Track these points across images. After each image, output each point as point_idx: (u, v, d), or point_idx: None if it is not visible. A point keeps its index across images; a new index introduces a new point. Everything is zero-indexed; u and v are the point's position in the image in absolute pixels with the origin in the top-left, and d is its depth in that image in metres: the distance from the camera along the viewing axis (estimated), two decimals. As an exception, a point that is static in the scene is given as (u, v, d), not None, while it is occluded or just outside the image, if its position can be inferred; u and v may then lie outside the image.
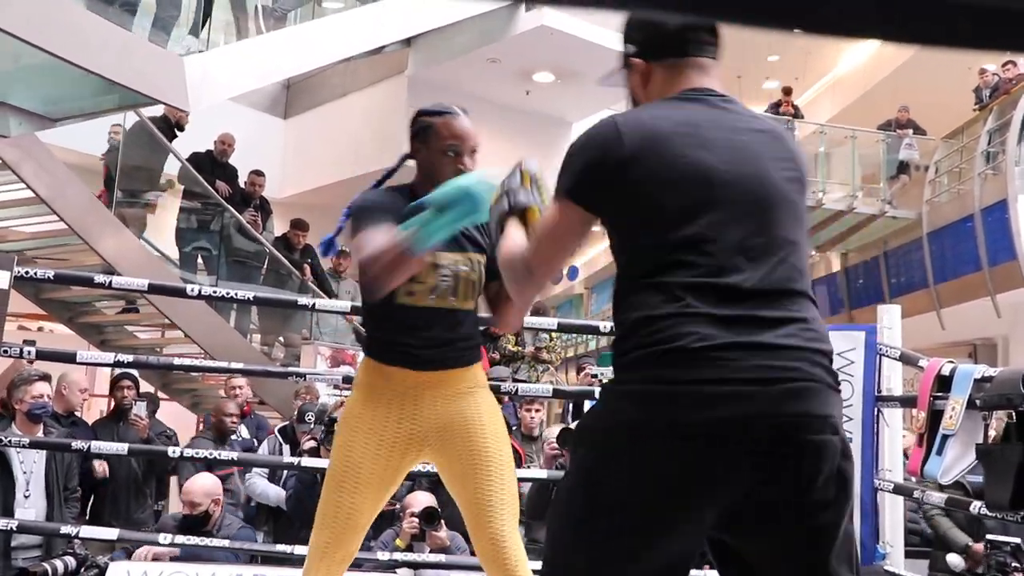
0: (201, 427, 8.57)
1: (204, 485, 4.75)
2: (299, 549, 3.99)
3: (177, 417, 8.62)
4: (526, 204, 2.11)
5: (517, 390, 4.30)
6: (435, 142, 2.58)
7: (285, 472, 5.33)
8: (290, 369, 5.08)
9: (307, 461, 4.44)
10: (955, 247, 12.95)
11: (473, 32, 9.91)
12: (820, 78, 20.38)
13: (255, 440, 6.22)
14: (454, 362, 2.66)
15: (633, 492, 1.68)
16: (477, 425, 2.65)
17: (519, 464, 4.76)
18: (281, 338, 9.93)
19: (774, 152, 1.84)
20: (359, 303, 4.35)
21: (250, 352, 8.68)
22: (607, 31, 9.79)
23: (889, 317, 4.60)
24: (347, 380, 4.30)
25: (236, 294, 4.46)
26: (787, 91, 15.38)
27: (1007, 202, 11.65)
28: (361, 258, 2.40)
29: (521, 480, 3.82)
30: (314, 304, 4.46)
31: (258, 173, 10.00)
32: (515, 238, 2.02)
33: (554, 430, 5.39)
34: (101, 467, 5.84)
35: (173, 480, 6.71)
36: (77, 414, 6.14)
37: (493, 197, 2.16)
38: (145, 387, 7.39)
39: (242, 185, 9.88)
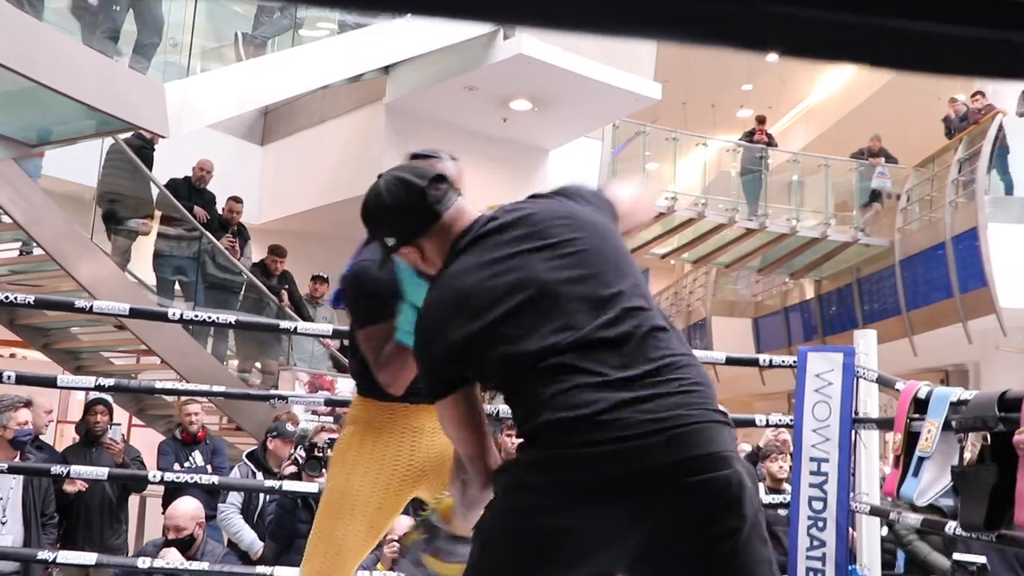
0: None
1: (188, 509, 4.73)
2: (279, 571, 3.98)
3: (152, 444, 8.56)
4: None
5: (498, 412, 4.32)
6: None
7: (260, 501, 5.31)
8: (272, 392, 5.09)
9: (288, 485, 4.44)
10: (927, 274, 13.10)
11: (451, 60, 9.98)
12: (794, 107, 20.64)
13: (208, 468, 6.17)
14: None
15: (527, 544, 1.81)
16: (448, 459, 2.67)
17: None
18: (258, 364, 9.89)
19: (542, 236, 1.97)
20: (341, 327, 4.38)
21: (227, 378, 8.65)
22: (584, 59, 9.89)
23: (865, 342, 4.66)
24: (329, 404, 4.31)
25: (217, 318, 4.47)
26: (761, 120, 15.53)
27: (977, 230, 11.84)
28: (376, 372, 2.48)
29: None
30: (295, 327, 4.47)
31: (236, 199, 10.00)
32: None
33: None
34: (73, 486, 5.76)
35: (132, 504, 6.64)
36: (42, 438, 6.08)
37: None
38: (120, 414, 7.35)
39: (220, 211, 9.86)
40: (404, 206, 2.04)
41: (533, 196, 2.12)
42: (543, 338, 1.84)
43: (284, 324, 4.47)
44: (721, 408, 1.86)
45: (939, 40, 0.54)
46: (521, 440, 1.91)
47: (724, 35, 0.55)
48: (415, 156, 2.69)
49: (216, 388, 4.74)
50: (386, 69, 10.61)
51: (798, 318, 17.09)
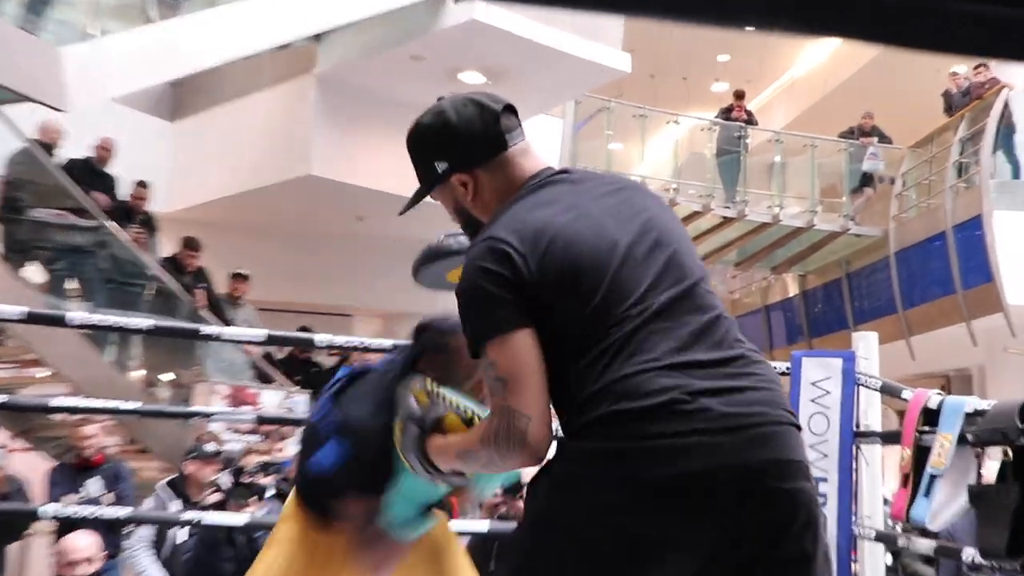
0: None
1: (83, 546, 4.64)
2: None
3: (38, 472, 8.35)
4: (437, 416, 2.15)
5: (464, 409, 4.30)
6: None
7: (176, 538, 5.20)
8: (192, 409, 5.00)
9: (210, 517, 4.37)
10: (925, 268, 13.26)
11: (393, 26, 9.92)
12: (775, 80, 20.82)
13: (104, 499, 6.03)
14: None
15: (589, 554, 1.76)
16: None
17: (450, 516, 4.74)
18: (168, 375, 9.77)
19: (643, 202, 2.00)
20: (274, 332, 4.32)
21: (131, 391, 8.48)
22: (544, 27, 9.88)
23: (865, 346, 4.69)
24: (263, 422, 4.25)
25: (129, 323, 4.38)
26: (739, 95, 15.64)
27: (981, 218, 11.95)
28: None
29: (460, 534, 3.81)
30: (220, 334, 4.40)
31: (142, 184, 9.88)
32: (451, 439, 2.08)
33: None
34: None
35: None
36: None
37: (397, 432, 2.19)
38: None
39: (124, 197, 9.73)
40: (472, 127, 2.01)
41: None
42: (645, 293, 1.85)
43: (207, 329, 4.39)
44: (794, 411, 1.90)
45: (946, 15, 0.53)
46: (572, 428, 1.83)
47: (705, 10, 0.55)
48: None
49: (127, 405, 4.64)
50: (318, 36, 10.53)
51: (780, 318, 17.25)
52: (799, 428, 1.85)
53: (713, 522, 1.73)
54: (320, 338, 4.02)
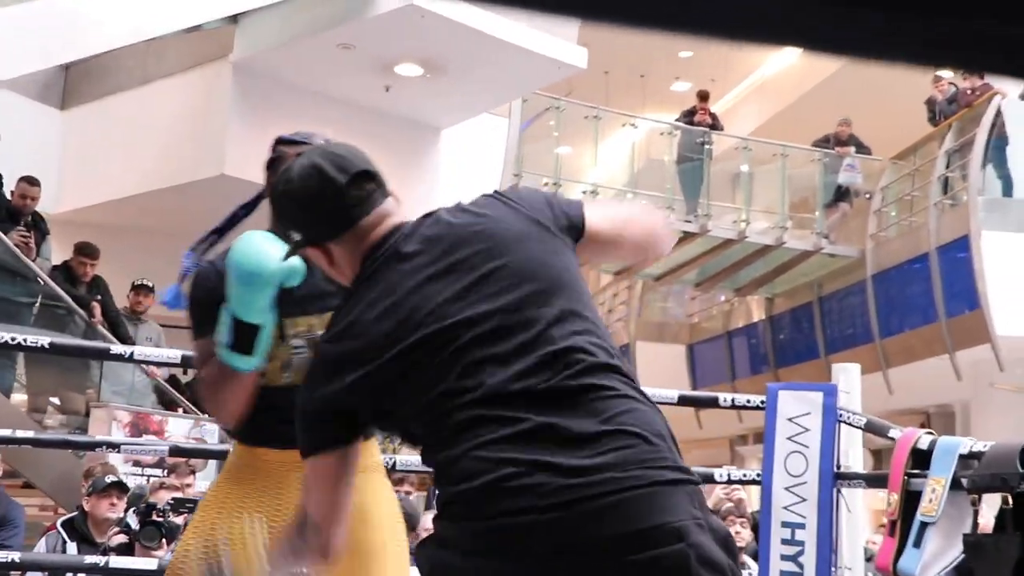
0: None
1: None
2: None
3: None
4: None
5: (395, 463, 4.34)
6: None
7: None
8: (102, 439, 4.96)
9: (116, 561, 4.36)
10: (905, 293, 13.44)
11: (320, 9, 9.92)
12: (743, 80, 20.96)
13: None
14: None
15: None
16: (358, 513, 2.73)
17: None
18: (55, 399, 9.66)
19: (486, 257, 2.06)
20: (189, 352, 4.33)
21: (14, 417, 8.40)
22: (494, 17, 9.93)
23: (847, 379, 4.80)
24: (177, 454, 4.25)
25: (24, 340, 4.37)
26: (703, 96, 15.75)
27: (968, 239, 12.07)
28: (200, 393, 2.61)
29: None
30: (132, 353, 4.40)
31: (30, 180, 9.73)
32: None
33: (430, 517, 5.41)
34: None
35: None
36: None
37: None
38: None
39: (8, 196, 9.62)
40: (315, 202, 2.10)
41: (489, 196, 2.18)
42: (451, 386, 1.95)
43: (117, 348, 4.40)
44: (679, 463, 1.91)
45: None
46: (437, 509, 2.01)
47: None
48: (281, 141, 2.75)
49: (21, 433, 4.61)
50: (234, 18, 10.51)
51: (744, 345, 17.41)
52: (679, 482, 1.87)
53: None
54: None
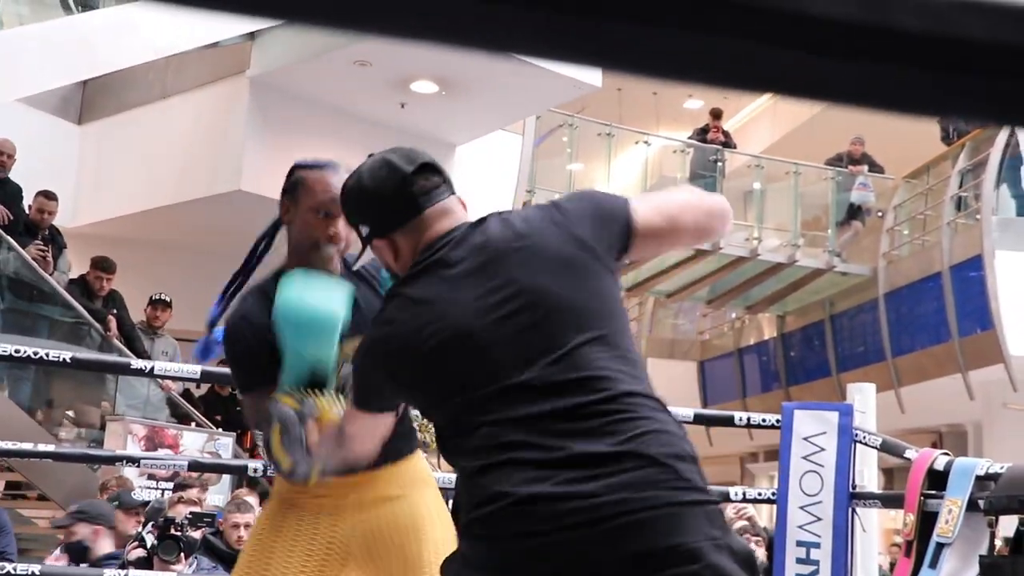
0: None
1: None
2: None
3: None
4: (312, 413, 2.42)
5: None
6: (306, 200, 2.65)
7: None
8: (122, 453, 5.00)
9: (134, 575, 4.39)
10: (918, 312, 13.41)
11: (337, 26, 9.96)
12: (756, 98, 20.96)
13: None
14: (380, 460, 2.73)
15: None
16: (414, 529, 2.73)
17: None
18: (70, 412, 9.69)
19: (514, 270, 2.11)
20: (211, 368, 4.35)
21: (31, 430, 8.43)
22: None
23: (862, 398, 4.80)
24: (196, 469, 4.27)
25: (46, 354, 4.39)
26: (716, 114, 15.79)
27: (982, 258, 12.06)
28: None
29: None
30: (151, 368, 4.43)
31: (48, 195, 9.78)
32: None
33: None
34: None
35: None
36: None
37: (275, 439, 2.41)
38: None
39: (26, 210, 9.66)
40: (383, 191, 2.16)
41: (541, 208, 2.25)
42: (473, 400, 2.01)
43: (137, 363, 4.42)
44: (696, 484, 1.91)
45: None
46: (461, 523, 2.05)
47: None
48: (297, 166, 2.73)
49: (42, 447, 4.64)
50: (251, 35, 10.55)
51: (755, 363, 17.37)
52: (696, 503, 1.88)
53: None
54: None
